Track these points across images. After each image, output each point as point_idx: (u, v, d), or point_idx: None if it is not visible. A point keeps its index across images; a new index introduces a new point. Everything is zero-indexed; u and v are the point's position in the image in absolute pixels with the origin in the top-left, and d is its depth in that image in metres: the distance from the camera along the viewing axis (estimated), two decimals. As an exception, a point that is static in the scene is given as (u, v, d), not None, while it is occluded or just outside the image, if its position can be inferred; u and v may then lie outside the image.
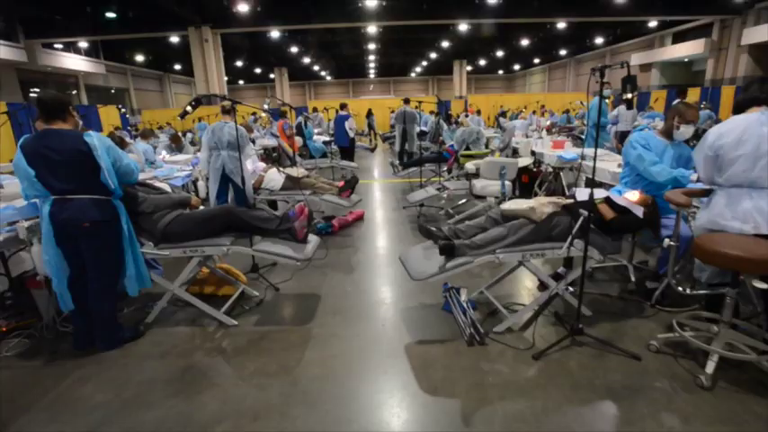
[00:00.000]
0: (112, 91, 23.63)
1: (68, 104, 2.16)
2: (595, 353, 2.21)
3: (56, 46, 17.96)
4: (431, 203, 5.14)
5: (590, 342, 2.27)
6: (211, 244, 2.43)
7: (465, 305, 2.60)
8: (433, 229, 2.45)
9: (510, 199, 4.10)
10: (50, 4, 13.58)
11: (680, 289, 2.18)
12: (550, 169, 4.67)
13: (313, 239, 2.70)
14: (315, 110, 12.22)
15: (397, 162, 6.54)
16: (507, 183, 3.77)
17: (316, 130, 9.95)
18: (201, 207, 2.67)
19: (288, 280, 3.21)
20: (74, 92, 20.88)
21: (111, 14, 14.27)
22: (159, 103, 26.83)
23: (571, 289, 2.65)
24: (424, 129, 8.47)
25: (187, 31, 14.79)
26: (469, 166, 4.02)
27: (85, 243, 2.17)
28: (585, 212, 2.18)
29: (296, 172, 4.26)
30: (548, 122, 10.94)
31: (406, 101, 8.20)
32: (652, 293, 2.74)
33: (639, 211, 2.42)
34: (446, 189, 4.65)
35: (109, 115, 13.06)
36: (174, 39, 17.61)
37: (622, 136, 7.98)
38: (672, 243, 2.11)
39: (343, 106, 8.38)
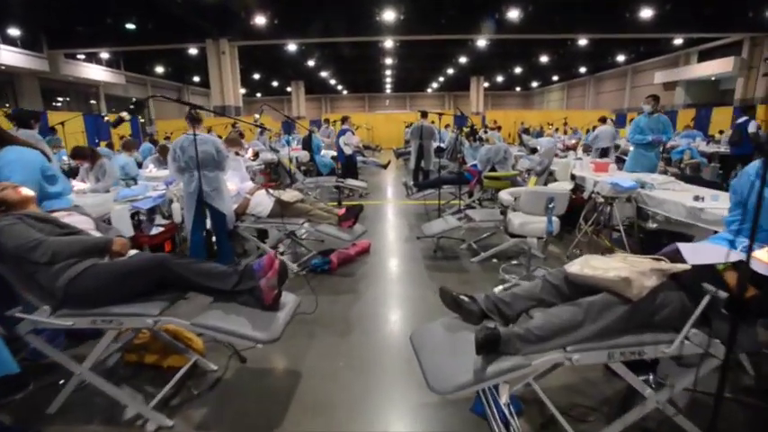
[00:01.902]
0: (133, 101, 23.76)
1: None
2: None
3: (78, 56, 18.08)
4: (449, 234, 4.30)
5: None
6: (133, 312, 1.65)
7: (506, 410, 1.75)
8: (465, 299, 1.62)
9: (550, 236, 3.24)
10: (73, 15, 13.60)
11: None
12: (601, 199, 3.79)
13: (289, 301, 1.89)
14: (326, 121, 11.73)
15: (411, 183, 5.74)
16: (555, 219, 2.92)
17: (326, 141, 9.35)
18: (133, 252, 1.90)
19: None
20: (93, 101, 21.01)
21: (131, 26, 14.23)
22: (177, 114, 26.90)
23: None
24: (441, 145, 7.69)
25: (205, 44, 14.63)
26: (505, 196, 3.14)
27: None
28: (721, 292, 1.33)
29: (288, 195, 3.49)
30: (572, 141, 10.12)
31: (424, 114, 7.46)
32: (785, 398, 1.85)
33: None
34: (469, 219, 3.81)
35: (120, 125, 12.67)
36: (193, 51, 17.60)
37: (602, 153, 7.51)
38: None
39: (344, 120, 7.74)
